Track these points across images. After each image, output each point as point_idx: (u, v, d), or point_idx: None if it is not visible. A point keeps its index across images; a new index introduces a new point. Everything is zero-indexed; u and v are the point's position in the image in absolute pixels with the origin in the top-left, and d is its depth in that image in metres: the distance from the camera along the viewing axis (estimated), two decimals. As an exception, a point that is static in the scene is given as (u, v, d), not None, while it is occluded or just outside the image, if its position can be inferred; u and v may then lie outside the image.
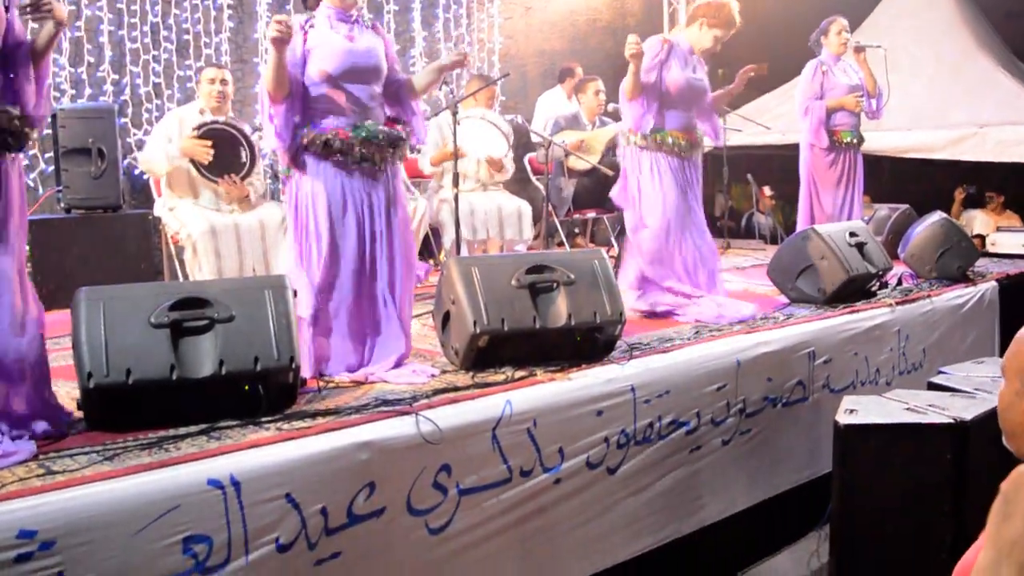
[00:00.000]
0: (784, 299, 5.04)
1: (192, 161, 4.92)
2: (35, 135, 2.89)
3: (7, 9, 2.74)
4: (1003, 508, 0.97)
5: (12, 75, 2.77)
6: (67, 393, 2.99)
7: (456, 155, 5.20)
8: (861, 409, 3.30)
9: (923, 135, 8.42)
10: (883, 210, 7.14)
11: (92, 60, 6.40)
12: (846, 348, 4.46)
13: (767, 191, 9.38)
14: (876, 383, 4.61)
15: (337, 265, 3.49)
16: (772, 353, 4.05)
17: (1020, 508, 0.95)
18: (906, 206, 7.06)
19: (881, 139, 8.12)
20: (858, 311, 4.68)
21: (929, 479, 3.15)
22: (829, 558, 3.37)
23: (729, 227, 8.55)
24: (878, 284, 5.19)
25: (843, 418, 3.23)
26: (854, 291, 4.92)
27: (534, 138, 6.87)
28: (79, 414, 2.82)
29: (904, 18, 9.29)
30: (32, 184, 5.96)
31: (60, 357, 3.43)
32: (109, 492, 2.30)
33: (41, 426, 2.71)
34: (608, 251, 5.62)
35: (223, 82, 5.19)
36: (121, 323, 2.78)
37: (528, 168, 7.03)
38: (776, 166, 8.78)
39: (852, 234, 5.05)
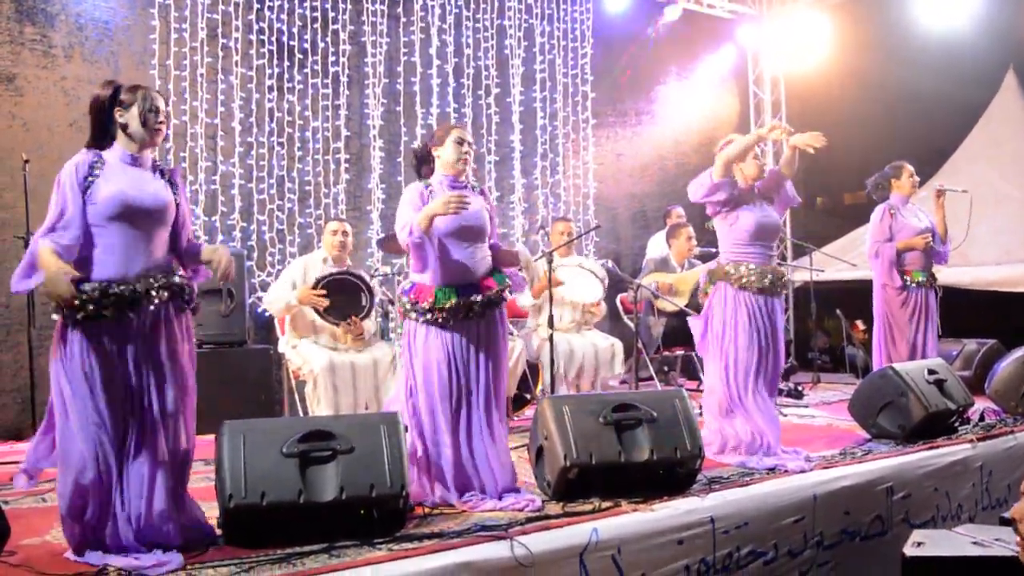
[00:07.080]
0: (865, 435, 5.23)
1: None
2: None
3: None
4: None
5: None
6: (207, 512, 3.42)
7: (551, 288, 5.54)
8: (929, 542, 3.45)
9: (1012, 268, 8.50)
10: (971, 345, 7.23)
11: (224, 209, 7.14)
12: (925, 484, 4.58)
13: (860, 325, 9.51)
14: (958, 518, 4.69)
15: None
16: (849, 487, 4.24)
17: None
18: (994, 341, 7.14)
19: (970, 273, 8.26)
20: (937, 447, 4.82)
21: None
22: None
23: (820, 361, 8.75)
24: (959, 420, 5.31)
25: (909, 551, 3.39)
26: (935, 427, 5.06)
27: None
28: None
29: (989, 154, 9.47)
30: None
31: (196, 480, 3.87)
32: (247, 600, 2.70)
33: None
34: (699, 386, 5.89)
35: (344, 233, 5.76)
36: (258, 452, 3.23)
37: (620, 307, 7.40)
38: (867, 301, 8.94)
39: (931, 371, 5.23)
